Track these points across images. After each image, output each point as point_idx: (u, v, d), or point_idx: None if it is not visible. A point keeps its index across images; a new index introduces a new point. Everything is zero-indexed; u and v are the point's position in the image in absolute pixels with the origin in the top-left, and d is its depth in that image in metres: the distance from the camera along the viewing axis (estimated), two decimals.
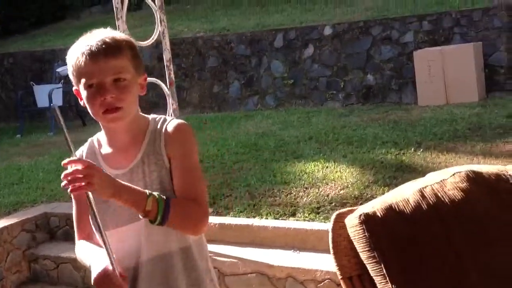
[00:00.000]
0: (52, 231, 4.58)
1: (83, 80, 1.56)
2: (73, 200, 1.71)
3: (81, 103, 1.62)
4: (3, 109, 10.77)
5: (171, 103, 3.27)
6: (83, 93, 1.58)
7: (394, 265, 1.64)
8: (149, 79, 3.37)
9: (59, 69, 9.10)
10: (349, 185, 3.78)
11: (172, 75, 3.31)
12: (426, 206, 1.68)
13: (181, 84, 8.30)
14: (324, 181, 3.96)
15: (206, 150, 4.98)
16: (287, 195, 3.84)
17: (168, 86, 3.28)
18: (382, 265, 1.64)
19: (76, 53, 1.57)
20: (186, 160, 1.63)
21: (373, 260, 1.67)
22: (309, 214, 3.52)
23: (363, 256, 1.70)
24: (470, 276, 1.61)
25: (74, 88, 1.65)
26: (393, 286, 1.61)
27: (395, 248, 1.65)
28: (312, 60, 7.60)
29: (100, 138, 1.71)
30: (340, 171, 4.10)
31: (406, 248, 1.66)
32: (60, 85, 8.92)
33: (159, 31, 3.32)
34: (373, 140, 4.78)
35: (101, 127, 1.67)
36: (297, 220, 3.44)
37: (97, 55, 1.53)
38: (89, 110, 1.60)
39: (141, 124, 1.67)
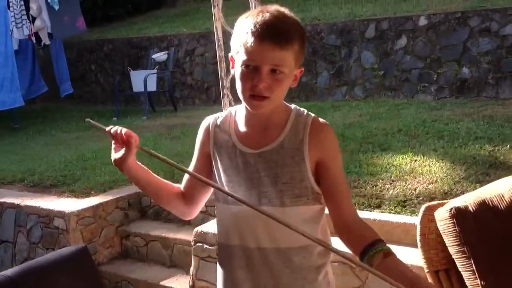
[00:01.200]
0: (143, 210, 4.79)
1: (243, 57, 1.50)
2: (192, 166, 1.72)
3: (232, 70, 1.60)
4: (101, 92, 11.34)
5: None
6: (238, 68, 1.53)
7: (484, 261, 1.60)
8: None
9: (154, 56, 9.45)
10: (438, 180, 3.67)
11: None
12: None
13: None
14: (412, 174, 3.88)
15: None
16: (373, 186, 3.79)
17: None
18: (472, 261, 1.61)
19: (248, 25, 1.50)
20: (337, 165, 1.62)
21: (463, 255, 1.64)
22: (395, 207, 3.46)
23: (452, 250, 1.67)
24: None
25: (230, 54, 1.59)
26: (482, 282, 1.58)
27: (486, 245, 1.60)
28: (405, 51, 7.41)
29: (238, 111, 1.67)
30: (429, 165, 3.99)
31: (498, 245, 1.61)
32: (154, 71, 9.26)
33: None
34: (465, 135, 4.61)
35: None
36: (382, 212, 3.40)
37: (265, 39, 1.46)
38: (236, 84, 1.56)
39: (282, 112, 1.63)
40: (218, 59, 3.28)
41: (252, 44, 1.47)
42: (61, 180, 5.30)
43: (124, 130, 1.62)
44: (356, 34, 7.87)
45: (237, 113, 1.67)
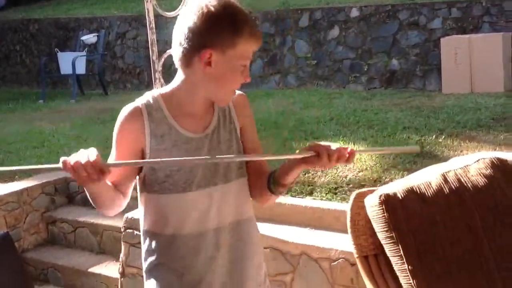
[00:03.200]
0: (71, 196, 4.66)
1: (240, 57, 1.51)
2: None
3: (206, 68, 1.52)
4: (26, 74, 10.88)
5: None
6: (230, 67, 1.52)
7: (411, 246, 1.65)
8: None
9: (83, 38, 9.16)
10: (368, 168, 3.77)
11: None
12: (448, 191, 1.69)
13: None
14: None
15: None
16: (305, 174, 3.84)
17: None
18: (400, 246, 1.65)
19: (226, 22, 1.49)
20: (254, 125, 1.75)
21: (391, 241, 1.68)
22: (326, 194, 3.52)
23: (381, 236, 1.71)
24: (488, 263, 1.61)
25: (206, 50, 1.50)
26: (409, 267, 1.63)
27: (413, 230, 1.65)
28: (337, 42, 7.54)
29: (165, 98, 1.63)
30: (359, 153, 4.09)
31: (425, 231, 1.66)
32: (84, 53, 8.98)
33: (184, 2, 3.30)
34: (394, 125, 4.75)
35: (176, 90, 1.61)
36: (314, 199, 3.45)
37: (258, 41, 1.54)
38: (217, 83, 1.54)
39: None
40: (149, 42, 3.20)
41: (251, 44, 1.52)
42: None
43: (90, 162, 1.46)
44: (290, 23, 7.93)
45: (164, 99, 1.63)
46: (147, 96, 1.64)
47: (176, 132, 1.59)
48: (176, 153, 1.57)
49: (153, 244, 1.67)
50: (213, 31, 1.49)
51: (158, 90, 1.67)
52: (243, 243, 1.67)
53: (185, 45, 1.51)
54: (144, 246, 1.72)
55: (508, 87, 6.05)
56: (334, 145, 1.50)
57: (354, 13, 7.41)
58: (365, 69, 7.29)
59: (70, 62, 8.44)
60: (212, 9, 1.48)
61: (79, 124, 6.38)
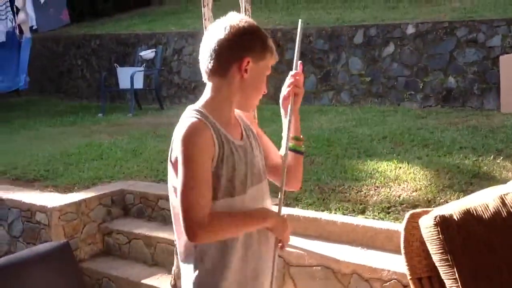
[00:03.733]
0: (127, 208, 4.76)
1: (265, 67, 1.78)
2: (203, 182, 1.66)
3: (244, 75, 1.73)
4: (87, 88, 11.26)
5: None
6: (258, 78, 1.77)
7: (467, 270, 1.62)
8: None
9: (142, 53, 9.41)
10: (422, 188, 3.71)
11: None
12: (506, 214, 1.65)
13: None
14: (396, 181, 3.91)
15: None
16: (357, 192, 3.82)
17: None
18: (455, 269, 1.62)
19: (264, 40, 1.76)
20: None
21: (446, 263, 1.65)
22: (378, 213, 3.49)
23: (436, 258, 1.68)
24: None
25: (246, 58, 1.72)
26: None
27: (469, 253, 1.62)
28: (392, 59, 7.47)
29: (208, 111, 1.76)
30: (413, 172, 4.03)
31: (481, 255, 1.63)
32: (142, 68, 9.22)
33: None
34: (450, 144, 4.66)
35: (213, 101, 1.78)
36: (366, 218, 3.42)
37: (276, 57, 1.83)
38: (253, 88, 1.78)
39: None
40: None
41: (274, 59, 1.80)
42: (44, 174, 5.25)
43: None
44: (344, 40, 7.92)
45: (209, 112, 1.76)
46: (195, 112, 1.75)
47: (227, 140, 1.73)
48: (232, 159, 1.72)
49: (224, 255, 1.73)
50: (250, 43, 1.72)
51: (196, 105, 1.80)
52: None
53: (223, 56, 1.70)
54: (204, 265, 1.74)
55: None
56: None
57: (410, 30, 7.33)
58: (421, 87, 7.19)
59: (129, 77, 8.67)
60: (246, 25, 1.72)
61: (136, 137, 6.55)
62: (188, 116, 1.72)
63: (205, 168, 1.65)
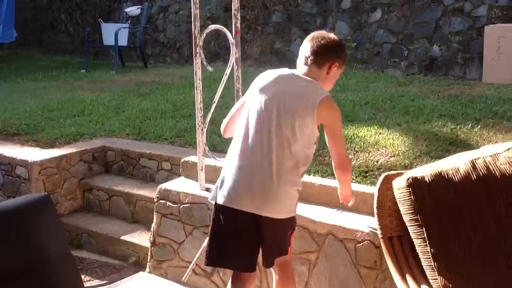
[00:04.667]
0: (108, 165, 4.78)
1: (339, 73, 2.55)
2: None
3: (329, 73, 2.49)
4: (70, 43, 11.10)
5: (235, 52, 3.31)
6: (335, 77, 2.54)
7: (435, 230, 1.67)
8: (215, 26, 3.42)
9: (127, 9, 9.27)
10: (400, 153, 3.76)
11: (238, 24, 3.34)
12: (475, 177, 1.70)
13: (244, 36, 8.31)
14: (375, 146, 3.96)
15: None
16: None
17: (233, 35, 3.32)
18: (424, 229, 1.68)
19: (345, 55, 2.62)
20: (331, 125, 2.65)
21: (416, 223, 1.71)
22: (356, 176, 3.53)
23: (406, 218, 1.74)
24: (510, 250, 1.63)
25: (336, 63, 2.49)
26: (431, 250, 1.65)
27: (438, 214, 1.68)
28: (378, 25, 7.46)
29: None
30: (392, 138, 4.08)
31: (450, 216, 1.68)
32: (127, 25, 9.09)
33: None
34: (430, 112, 4.71)
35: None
36: None
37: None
38: (328, 84, 2.55)
39: None
40: (192, 16, 3.25)
41: (343, 68, 2.59)
42: (25, 129, 5.23)
43: None
44: (332, 4, 7.87)
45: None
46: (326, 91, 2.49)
47: None
48: None
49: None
50: (342, 55, 2.54)
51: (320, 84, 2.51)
52: None
53: (324, 57, 2.46)
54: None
55: None
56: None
57: None
58: (405, 55, 7.21)
59: (113, 33, 8.56)
60: (339, 40, 2.56)
61: (119, 95, 6.51)
62: (327, 94, 2.45)
63: None
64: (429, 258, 1.65)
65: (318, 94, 2.38)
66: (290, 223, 2.47)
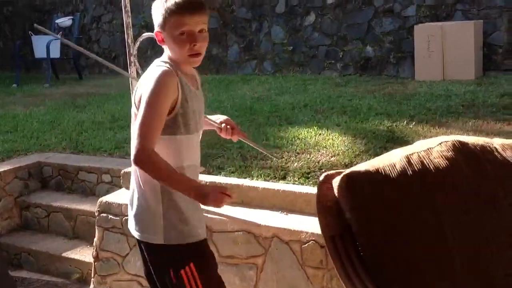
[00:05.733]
0: (45, 180, 4.63)
1: (175, 27, 1.89)
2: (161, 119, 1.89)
3: (160, 43, 1.97)
4: (0, 57, 10.71)
5: None
6: (171, 37, 1.90)
7: (376, 226, 1.71)
8: (148, 34, 3.37)
9: (58, 21, 9.04)
10: (340, 153, 3.83)
11: None
12: (411, 172, 1.74)
13: None
14: (316, 147, 4.01)
15: None
16: (279, 159, 3.89)
17: None
18: (365, 225, 1.70)
19: (172, 2, 1.88)
20: None
21: (356, 220, 1.73)
22: (299, 178, 3.57)
23: (347, 216, 1.76)
24: (448, 241, 1.68)
25: (156, 30, 1.95)
26: (374, 246, 1.68)
27: (378, 210, 1.71)
28: (313, 28, 7.58)
29: (170, 65, 1.95)
30: (332, 139, 4.15)
31: (390, 211, 1.72)
32: (58, 36, 8.85)
33: None
34: (367, 111, 4.83)
35: (174, 59, 1.96)
36: (286, 183, 3.50)
37: (194, 9, 1.89)
38: (173, 50, 1.93)
39: None
40: (125, 25, 3.20)
41: (185, 14, 1.88)
42: None
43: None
44: (266, 9, 7.94)
45: (171, 67, 1.95)
46: (163, 63, 1.95)
47: (188, 87, 1.97)
48: (190, 103, 1.96)
49: None
50: (156, 16, 2.02)
51: (164, 59, 2.00)
52: None
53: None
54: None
55: (478, 74, 6.17)
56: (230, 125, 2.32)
57: None
58: (340, 56, 7.36)
59: (45, 45, 8.33)
60: None
61: (53, 108, 6.34)
62: (159, 65, 1.95)
63: (164, 110, 1.87)
64: (372, 253, 1.67)
65: None
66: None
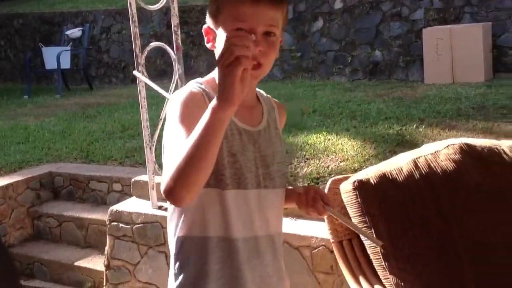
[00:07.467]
0: (56, 190, 4.66)
1: (229, 20, 1.28)
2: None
3: (208, 45, 1.37)
4: (11, 69, 10.82)
5: (177, 68, 3.30)
6: (223, 35, 1.25)
7: (384, 230, 1.70)
8: (156, 44, 3.41)
9: (68, 32, 9.12)
10: (349, 158, 3.82)
11: (179, 40, 3.32)
12: (418, 175, 1.74)
13: (189, 52, 8.30)
14: (325, 153, 4.00)
15: None
16: (288, 164, 3.89)
17: (175, 51, 3.30)
18: (373, 230, 1.70)
19: None
20: None
21: (364, 225, 1.73)
22: (308, 183, 3.57)
23: (355, 221, 1.76)
24: (456, 244, 1.67)
25: (206, 25, 1.38)
26: (381, 250, 1.68)
27: (386, 214, 1.70)
28: (321, 34, 7.58)
29: (213, 86, 1.35)
30: (341, 144, 4.14)
31: (397, 214, 1.71)
32: (68, 47, 8.94)
33: None
34: (376, 115, 4.81)
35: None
36: None
37: None
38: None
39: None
40: (132, 35, 3.23)
41: (245, 3, 1.27)
42: None
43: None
44: None
45: (212, 88, 1.36)
46: (196, 84, 1.39)
47: (231, 121, 1.32)
48: (231, 143, 1.33)
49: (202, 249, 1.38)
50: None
51: (201, 79, 1.44)
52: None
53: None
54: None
55: (488, 76, 6.14)
56: (322, 197, 1.45)
57: (338, 4, 7.45)
58: (349, 61, 7.35)
59: (55, 57, 8.41)
60: None
61: (64, 119, 6.38)
62: (185, 88, 1.39)
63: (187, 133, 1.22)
64: (380, 258, 1.67)
65: None
66: None
